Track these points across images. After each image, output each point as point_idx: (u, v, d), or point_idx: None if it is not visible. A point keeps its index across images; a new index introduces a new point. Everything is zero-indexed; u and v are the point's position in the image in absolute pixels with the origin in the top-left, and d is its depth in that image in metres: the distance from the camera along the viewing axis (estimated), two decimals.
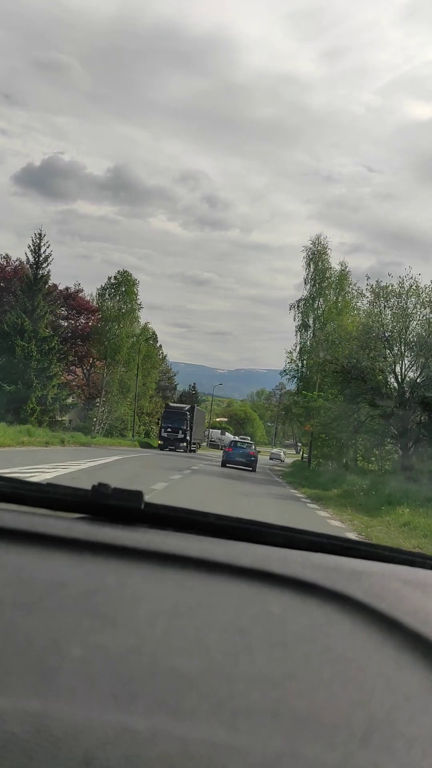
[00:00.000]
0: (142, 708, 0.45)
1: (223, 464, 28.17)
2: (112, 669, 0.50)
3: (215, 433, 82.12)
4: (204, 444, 66.20)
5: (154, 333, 49.69)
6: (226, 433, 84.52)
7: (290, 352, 39.00)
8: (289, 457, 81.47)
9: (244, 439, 40.22)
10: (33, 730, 0.41)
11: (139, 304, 43.40)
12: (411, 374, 21.95)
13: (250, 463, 28.51)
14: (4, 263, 40.25)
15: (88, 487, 0.90)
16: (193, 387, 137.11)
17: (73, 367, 44.18)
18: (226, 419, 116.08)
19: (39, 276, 34.49)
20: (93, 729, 0.42)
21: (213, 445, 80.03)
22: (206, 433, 79.24)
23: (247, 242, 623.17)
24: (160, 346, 56.39)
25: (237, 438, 50.84)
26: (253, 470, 28.25)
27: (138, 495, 0.88)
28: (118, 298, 42.43)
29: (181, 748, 0.42)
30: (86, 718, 0.43)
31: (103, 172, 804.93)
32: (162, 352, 60.79)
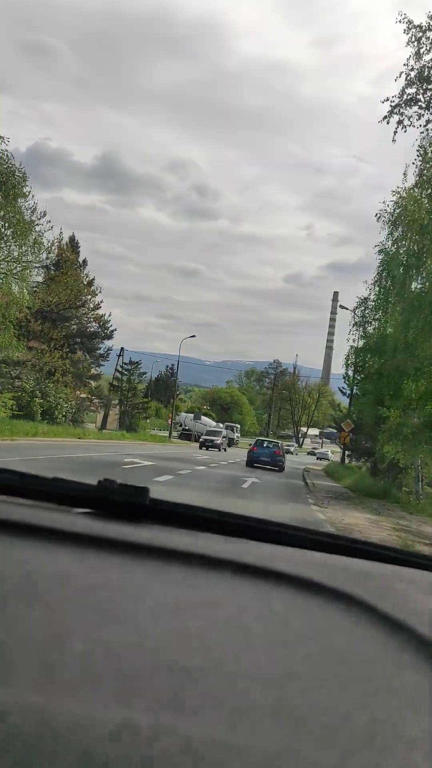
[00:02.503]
0: (143, 704, 0.45)
1: (249, 464, 26.94)
2: (115, 664, 0.50)
3: (187, 419, 61.44)
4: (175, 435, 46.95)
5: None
6: (204, 417, 63.45)
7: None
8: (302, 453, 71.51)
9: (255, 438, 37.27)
10: (35, 725, 0.42)
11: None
12: None
13: (276, 463, 27.28)
14: None
15: (95, 482, 0.92)
16: (171, 369, 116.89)
17: None
18: (207, 406, 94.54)
19: None
20: (95, 724, 0.42)
21: (186, 435, 57.91)
22: (177, 419, 58.94)
23: (235, 233, 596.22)
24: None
25: (221, 426, 47.14)
26: (281, 470, 26.94)
27: (144, 491, 0.89)
28: None
29: (182, 745, 0.42)
30: (88, 713, 0.43)
31: (91, 160, 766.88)
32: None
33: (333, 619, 0.64)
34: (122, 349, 51.59)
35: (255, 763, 0.42)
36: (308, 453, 69.18)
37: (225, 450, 46.11)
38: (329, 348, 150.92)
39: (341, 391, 46.54)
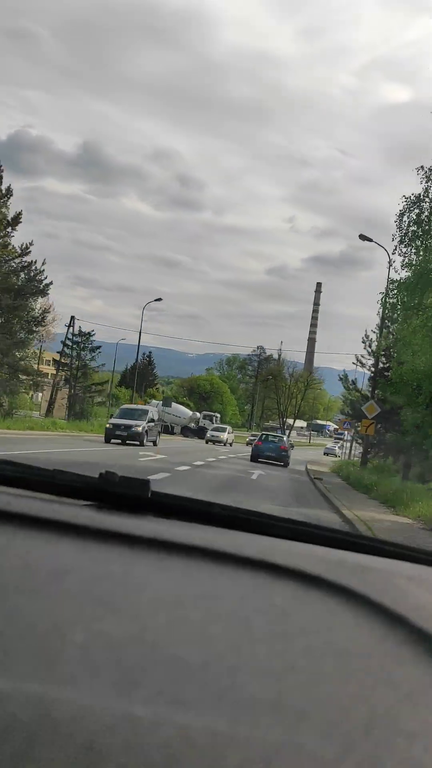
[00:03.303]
0: (143, 695, 0.45)
1: (253, 459, 27.19)
2: (115, 656, 0.50)
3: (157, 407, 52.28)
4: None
5: None
6: (178, 406, 54.29)
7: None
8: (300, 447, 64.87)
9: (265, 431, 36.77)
10: (35, 714, 0.42)
11: None
12: None
13: (281, 458, 27.37)
14: None
15: (96, 474, 0.93)
16: (148, 356, 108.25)
17: None
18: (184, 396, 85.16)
19: None
20: (94, 715, 0.42)
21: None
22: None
23: (219, 224, 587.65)
24: None
25: (197, 415, 46.84)
26: (285, 465, 26.96)
27: (145, 483, 0.90)
28: None
29: (181, 737, 0.42)
30: (88, 704, 0.43)
31: (73, 148, 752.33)
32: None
33: (333, 613, 0.64)
34: (72, 318, 42.01)
35: (255, 755, 0.42)
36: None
37: (231, 444, 44.17)
38: (312, 339, 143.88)
39: (340, 381, 38.52)
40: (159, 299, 43.16)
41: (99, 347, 42.54)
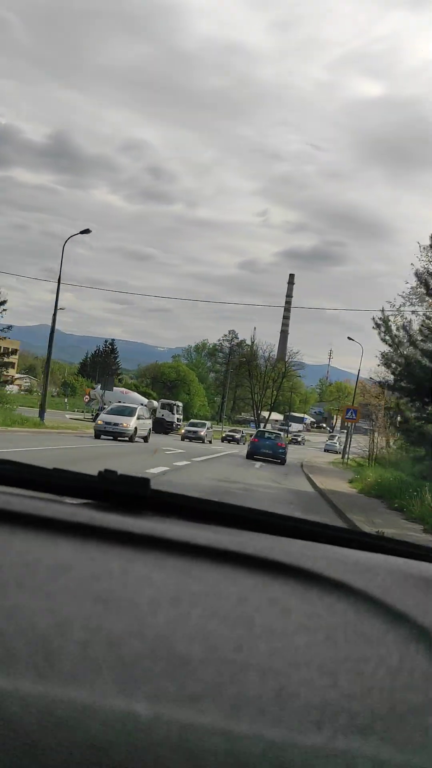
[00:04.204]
0: (144, 693, 0.46)
1: (249, 456, 26.89)
2: (115, 653, 0.50)
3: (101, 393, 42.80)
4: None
5: None
6: (131, 393, 45.04)
7: None
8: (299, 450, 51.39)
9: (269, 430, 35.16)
10: (35, 713, 0.42)
11: None
12: None
13: (278, 456, 26.84)
14: None
15: (95, 472, 0.93)
16: (111, 344, 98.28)
17: None
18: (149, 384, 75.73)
19: None
20: (95, 713, 0.43)
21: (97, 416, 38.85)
22: (92, 393, 40.23)
23: (191, 218, 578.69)
24: None
25: (152, 403, 41.65)
26: (282, 463, 26.42)
27: (144, 482, 0.90)
28: None
29: (182, 734, 0.42)
30: (88, 702, 0.44)
31: (42, 138, 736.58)
32: None
33: (333, 610, 0.64)
34: None
35: (255, 752, 0.42)
36: (291, 441, 55.43)
37: (210, 442, 40.11)
38: (284, 332, 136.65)
39: (376, 327, 31.26)
40: (86, 231, 32.32)
41: (10, 327, 33.83)
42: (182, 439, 37.48)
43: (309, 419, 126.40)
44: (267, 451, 26.96)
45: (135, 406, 27.58)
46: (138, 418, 25.82)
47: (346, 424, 37.19)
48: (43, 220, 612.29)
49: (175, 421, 47.71)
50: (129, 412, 26.06)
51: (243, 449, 35.84)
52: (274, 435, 29.60)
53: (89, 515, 0.77)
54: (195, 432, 39.80)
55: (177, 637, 0.54)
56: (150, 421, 27.33)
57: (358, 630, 0.61)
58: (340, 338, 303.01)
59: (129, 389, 53.34)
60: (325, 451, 59.46)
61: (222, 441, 47.18)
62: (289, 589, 0.67)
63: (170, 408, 49.16)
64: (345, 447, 34.92)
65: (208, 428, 41.36)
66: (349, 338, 43.34)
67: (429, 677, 0.54)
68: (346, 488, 17.89)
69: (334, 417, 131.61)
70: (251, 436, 32.30)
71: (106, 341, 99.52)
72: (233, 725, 0.44)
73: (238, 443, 46.12)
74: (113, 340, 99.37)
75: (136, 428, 25.24)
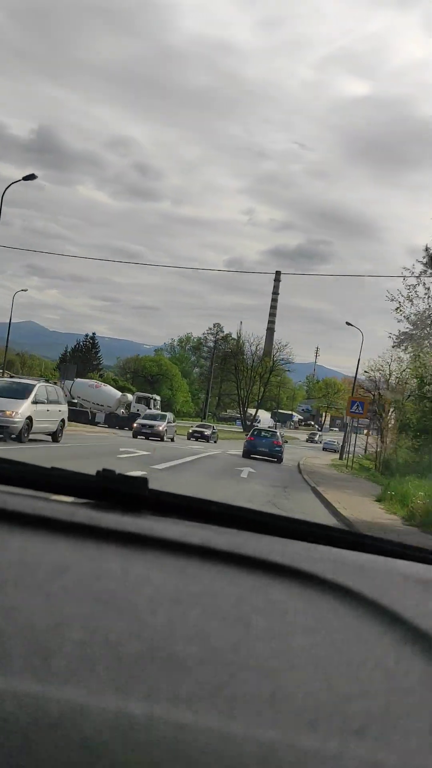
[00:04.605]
0: (140, 693, 0.46)
1: (246, 455, 26.04)
2: (112, 653, 0.50)
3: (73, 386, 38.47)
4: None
5: None
6: (106, 386, 40.80)
7: None
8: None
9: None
10: (31, 712, 0.42)
11: None
12: None
13: (275, 455, 26.45)
14: None
15: (93, 472, 0.93)
16: (92, 338, 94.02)
17: None
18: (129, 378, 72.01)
19: None
20: (91, 712, 0.43)
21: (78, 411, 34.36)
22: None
23: (177, 215, 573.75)
24: None
25: (131, 397, 39.99)
26: (279, 462, 26.14)
27: (143, 481, 0.90)
28: None
29: (177, 734, 0.42)
30: (85, 702, 0.44)
31: (28, 134, 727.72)
32: None
33: (331, 611, 0.64)
34: None
35: (250, 752, 0.42)
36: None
37: (172, 439, 33.66)
38: (270, 330, 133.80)
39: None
40: (30, 176, 25.81)
41: None
42: (134, 436, 30.66)
43: (297, 417, 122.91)
44: (263, 450, 26.55)
45: (33, 383, 17.87)
46: (36, 402, 16.11)
47: (346, 420, 33.78)
48: (26, 216, 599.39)
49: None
50: (21, 393, 16.21)
51: (221, 448, 32.08)
52: (270, 433, 28.89)
53: (87, 515, 0.77)
54: (151, 426, 31.73)
55: (174, 637, 0.54)
56: (66, 407, 18.89)
57: (355, 632, 0.60)
58: (326, 337, 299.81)
59: (108, 384, 48.73)
60: (323, 450, 56.96)
61: (189, 438, 40.24)
62: (287, 591, 0.67)
63: (146, 402, 43.12)
64: (345, 446, 33.12)
65: (169, 422, 33.80)
66: (347, 323, 39.97)
67: (425, 679, 0.54)
68: (382, 514, 12.37)
69: (323, 414, 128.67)
70: (248, 434, 29.88)
71: (86, 335, 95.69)
72: (228, 726, 0.44)
73: (207, 441, 40.29)
74: (94, 334, 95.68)
75: (30, 418, 15.64)
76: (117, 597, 0.59)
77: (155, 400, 44.69)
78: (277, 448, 26.70)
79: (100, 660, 0.49)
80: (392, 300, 17.87)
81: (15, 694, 0.43)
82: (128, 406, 40.93)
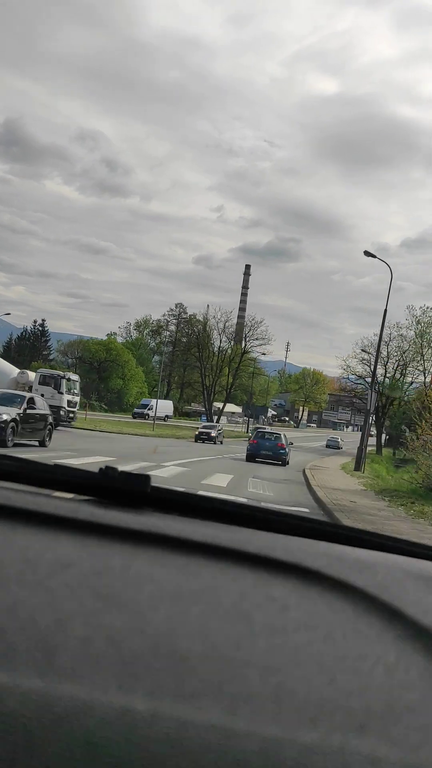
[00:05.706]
0: (143, 689, 0.46)
1: (249, 459, 26.05)
2: (115, 650, 0.50)
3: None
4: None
5: None
6: (28, 373, 27.62)
7: None
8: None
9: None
10: (35, 709, 0.42)
11: None
12: None
13: (279, 457, 26.13)
14: None
15: (96, 469, 0.93)
16: (41, 325, 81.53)
17: None
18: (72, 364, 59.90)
19: None
20: (94, 709, 0.43)
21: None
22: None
23: (146, 211, 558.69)
24: None
25: (32, 375, 29.14)
26: (284, 465, 25.60)
27: (145, 479, 0.90)
28: None
29: (180, 730, 0.42)
30: (88, 698, 0.44)
31: None
32: None
33: (332, 608, 0.64)
34: None
35: (252, 748, 0.42)
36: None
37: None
38: (240, 324, 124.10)
39: None
40: None
41: None
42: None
43: (271, 412, 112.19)
44: (267, 453, 26.27)
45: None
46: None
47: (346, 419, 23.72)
48: None
49: (64, 405, 29.04)
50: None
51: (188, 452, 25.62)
52: (274, 436, 27.94)
53: (90, 511, 0.77)
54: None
55: (176, 633, 0.54)
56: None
57: (356, 627, 0.61)
58: (294, 334, 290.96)
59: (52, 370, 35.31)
60: (327, 446, 53.56)
61: (196, 440, 36.54)
62: (289, 587, 0.67)
63: (55, 383, 29.51)
64: (361, 453, 25.53)
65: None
66: (366, 252, 28.83)
67: (426, 675, 0.54)
68: None
69: (299, 409, 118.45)
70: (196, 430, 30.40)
71: (35, 321, 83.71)
72: (231, 722, 0.44)
73: (213, 442, 37.30)
74: (43, 321, 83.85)
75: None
76: (119, 593, 0.59)
77: (71, 381, 30.85)
78: (281, 451, 26.27)
79: (103, 656, 0.49)
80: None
81: (19, 690, 0.43)
82: (28, 386, 28.23)
